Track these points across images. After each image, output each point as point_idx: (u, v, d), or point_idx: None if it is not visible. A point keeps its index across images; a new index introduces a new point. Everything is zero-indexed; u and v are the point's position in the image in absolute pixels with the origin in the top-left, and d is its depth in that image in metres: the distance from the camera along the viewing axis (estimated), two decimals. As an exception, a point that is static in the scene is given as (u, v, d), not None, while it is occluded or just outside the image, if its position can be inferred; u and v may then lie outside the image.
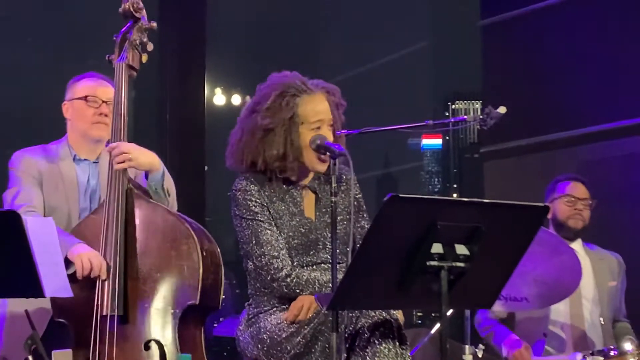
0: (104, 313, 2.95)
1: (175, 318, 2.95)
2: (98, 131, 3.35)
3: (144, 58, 3.22)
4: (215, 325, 7.84)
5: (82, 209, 3.31)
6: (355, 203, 3.03)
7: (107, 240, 3.02)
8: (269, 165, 2.97)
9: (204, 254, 2.99)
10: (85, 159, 3.37)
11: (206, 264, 2.99)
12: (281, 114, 2.95)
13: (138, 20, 3.20)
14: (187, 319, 2.99)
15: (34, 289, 2.63)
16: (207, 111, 5.52)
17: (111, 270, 2.98)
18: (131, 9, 3.18)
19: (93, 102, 3.34)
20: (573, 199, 4.05)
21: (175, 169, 5.18)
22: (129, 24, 3.22)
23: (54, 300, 3.04)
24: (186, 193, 5.22)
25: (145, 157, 3.15)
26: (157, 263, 3.00)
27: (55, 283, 2.71)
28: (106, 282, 2.97)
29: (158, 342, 2.94)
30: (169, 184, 3.24)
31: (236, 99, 10.43)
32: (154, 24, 3.23)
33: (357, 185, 3.10)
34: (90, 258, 2.96)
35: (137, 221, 3.05)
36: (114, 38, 3.24)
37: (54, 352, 2.89)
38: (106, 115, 3.33)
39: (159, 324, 2.96)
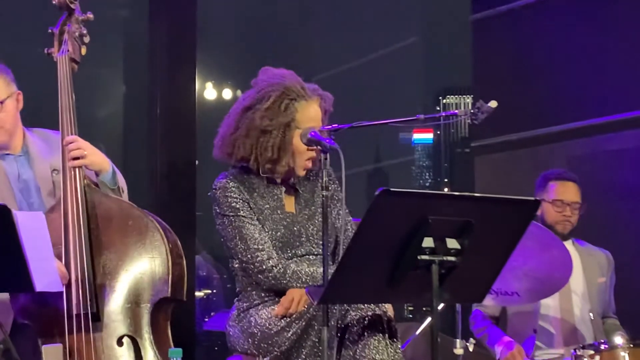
0: (75, 312, 2.91)
1: (148, 312, 2.94)
2: None
3: (84, 50, 3.14)
4: (205, 319, 7.84)
5: (18, 204, 3.19)
6: (331, 194, 3.03)
7: (69, 239, 2.96)
8: (260, 165, 2.98)
9: (170, 246, 2.97)
10: (8, 154, 3.23)
11: (173, 256, 2.97)
12: (280, 117, 2.97)
13: (73, 12, 3.13)
14: (157, 312, 2.98)
15: (24, 283, 2.62)
16: (197, 105, 5.49)
17: (79, 269, 2.93)
18: (66, 0, 3.10)
19: None
20: (562, 203, 4.03)
21: (165, 164, 5.17)
22: (64, 16, 3.14)
23: (15, 302, 2.99)
24: (177, 188, 5.21)
25: (97, 157, 3.10)
26: (125, 258, 2.97)
27: (46, 278, 2.70)
28: (77, 281, 2.92)
29: (131, 337, 2.92)
30: (122, 182, 3.20)
31: (227, 93, 10.42)
32: (90, 15, 3.15)
33: (334, 176, 3.12)
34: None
35: (99, 217, 3.01)
36: (51, 30, 3.15)
37: (44, 347, 2.88)
38: None
39: (131, 319, 2.94)
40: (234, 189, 3.00)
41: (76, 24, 3.12)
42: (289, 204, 3.07)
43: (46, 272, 2.70)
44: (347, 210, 3.13)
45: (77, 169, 3.03)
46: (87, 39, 3.14)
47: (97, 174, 3.13)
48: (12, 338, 2.91)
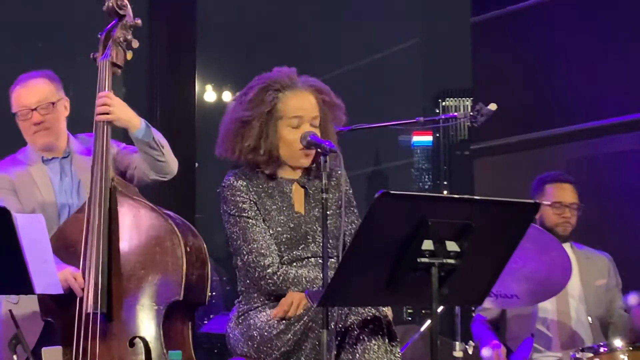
0: (88, 311, 2.95)
1: (159, 314, 2.95)
2: (40, 139, 3.37)
3: (129, 55, 3.20)
4: (205, 322, 7.83)
5: (60, 206, 3.32)
6: (345, 198, 3.03)
7: (89, 238, 3.00)
8: (243, 156, 2.99)
9: (188, 249, 2.99)
10: (53, 158, 3.40)
11: (190, 259, 2.99)
12: (260, 107, 2.96)
13: (123, 18, 3.19)
14: (172, 315, 2.99)
15: (24, 285, 2.62)
16: (197, 108, 5.51)
17: (93, 269, 2.97)
18: (115, 7, 3.17)
19: (24, 116, 3.35)
20: (561, 205, 4.02)
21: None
22: (113, 22, 3.21)
23: (41, 300, 3.04)
24: (176, 190, 5.21)
25: (125, 114, 3.14)
26: (142, 260, 3.00)
27: (45, 280, 2.70)
28: (90, 281, 2.96)
29: (143, 339, 2.94)
30: (161, 139, 3.23)
31: (227, 96, 10.42)
32: (139, 21, 3.21)
33: (348, 181, 3.10)
34: (75, 277, 2.97)
35: (120, 219, 3.04)
36: (99, 36, 3.23)
37: (43, 349, 2.89)
38: (41, 122, 3.34)
39: (144, 321, 2.96)
40: (242, 187, 2.99)
41: (123, 30, 3.18)
42: (299, 203, 3.05)
43: (46, 274, 2.71)
44: (356, 213, 3.12)
45: (104, 172, 3.06)
46: (135, 44, 3.19)
47: (129, 132, 3.18)
48: (39, 343, 3.01)
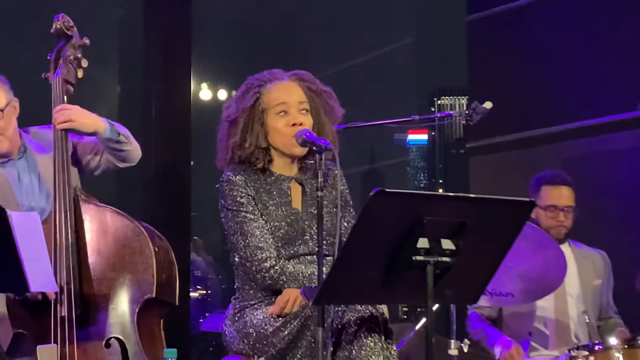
0: (62, 314, 2.98)
1: (133, 314, 3.00)
2: None
3: (80, 73, 3.27)
4: (201, 320, 7.83)
5: (25, 209, 3.31)
6: (342, 197, 3.03)
7: (57, 249, 3.04)
8: (234, 154, 3.01)
9: (156, 249, 3.05)
10: (9, 159, 3.36)
11: (159, 259, 3.04)
12: (243, 103, 3.02)
13: (70, 38, 3.26)
14: (145, 314, 3.03)
15: (19, 284, 2.62)
16: (193, 106, 5.50)
17: (65, 274, 3.01)
18: (62, 28, 3.24)
19: None
20: (555, 209, 4.01)
21: (160, 164, 5.17)
22: (62, 43, 3.28)
23: (11, 311, 3.07)
24: (172, 188, 5.21)
25: (88, 119, 3.20)
26: (112, 263, 3.05)
27: (41, 278, 2.70)
28: (63, 288, 3.00)
29: (119, 339, 2.98)
30: (126, 132, 3.30)
31: (222, 94, 10.44)
32: (87, 41, 3.28)
33: (344, 180, 3.11)
34: None
35: (87, 225, 3.10)
36: (48, 57, 3.29)
37: (39, 347, 2.89)
38: None
39: (118, 321, 3.01)
40: (240, 182, 3.00)
41: (72, 49, 3.26)
42: (296, 200, 3.05)
43: (41, 272, 2.70)
44: (352, 213, 3.12)
45: (65, 182, 3.10)
46: (84, 63, 3.26)
47: (95, 135, 3.24)
48: (11, 349, 3.02)
